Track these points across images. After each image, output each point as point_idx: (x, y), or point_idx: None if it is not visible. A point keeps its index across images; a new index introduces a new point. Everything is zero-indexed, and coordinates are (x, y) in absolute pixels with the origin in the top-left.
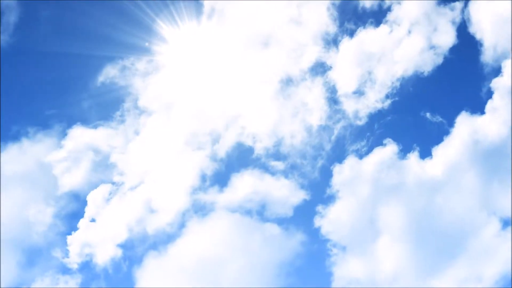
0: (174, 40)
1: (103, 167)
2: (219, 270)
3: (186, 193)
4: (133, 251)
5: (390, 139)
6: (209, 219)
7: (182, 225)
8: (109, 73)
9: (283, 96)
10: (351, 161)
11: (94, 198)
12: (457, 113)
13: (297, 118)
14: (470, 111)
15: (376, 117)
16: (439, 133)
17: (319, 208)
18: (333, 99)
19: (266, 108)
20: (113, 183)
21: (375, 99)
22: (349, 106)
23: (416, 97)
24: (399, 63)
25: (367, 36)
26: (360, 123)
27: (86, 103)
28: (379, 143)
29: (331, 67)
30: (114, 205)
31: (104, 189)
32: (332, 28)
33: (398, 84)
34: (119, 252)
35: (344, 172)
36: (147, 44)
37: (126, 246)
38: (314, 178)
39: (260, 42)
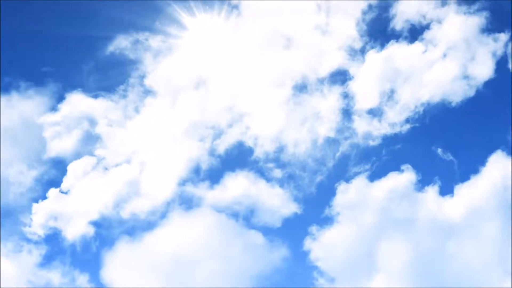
0: (193, 28)
1: (95, 139)
2: (192, 270)
3: (174, 182)
4: (106, 232)
5: (409, 166)
6: (193, 214)
7: (163, 215)
8: (120, 43)
9: (294, 102)
10: (360, 182)
11: (75, 169)
12: (490, 152)
13: (305, 127)
14: (507, 151)
15: (390, 140)
16: (466, 171)
17: (313, 229)
18: (348, 112)
19: (275, 111)
20: (99, 157)
21: (393, 121)
22: (364, 123)
23: (439, 127)
24: (427, 87)
25: (398, 51)
26: (372, 143)
27: (89, 69)
28: (396, 167)
29: (353, 77)
30: (95, 180)
31: (87, 161)
32: (361, 36)
33: (421, 109)
34: (91, 230)
35: (350, 193)
36: (163, 26)
37: (100, 225)
38: (310, 193)
39: (281, 44)
